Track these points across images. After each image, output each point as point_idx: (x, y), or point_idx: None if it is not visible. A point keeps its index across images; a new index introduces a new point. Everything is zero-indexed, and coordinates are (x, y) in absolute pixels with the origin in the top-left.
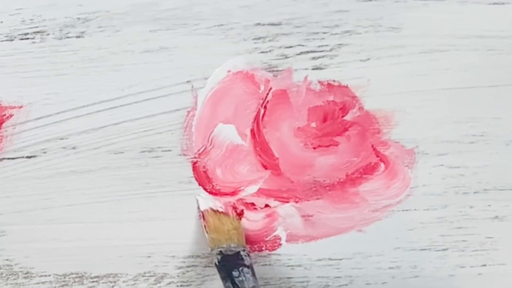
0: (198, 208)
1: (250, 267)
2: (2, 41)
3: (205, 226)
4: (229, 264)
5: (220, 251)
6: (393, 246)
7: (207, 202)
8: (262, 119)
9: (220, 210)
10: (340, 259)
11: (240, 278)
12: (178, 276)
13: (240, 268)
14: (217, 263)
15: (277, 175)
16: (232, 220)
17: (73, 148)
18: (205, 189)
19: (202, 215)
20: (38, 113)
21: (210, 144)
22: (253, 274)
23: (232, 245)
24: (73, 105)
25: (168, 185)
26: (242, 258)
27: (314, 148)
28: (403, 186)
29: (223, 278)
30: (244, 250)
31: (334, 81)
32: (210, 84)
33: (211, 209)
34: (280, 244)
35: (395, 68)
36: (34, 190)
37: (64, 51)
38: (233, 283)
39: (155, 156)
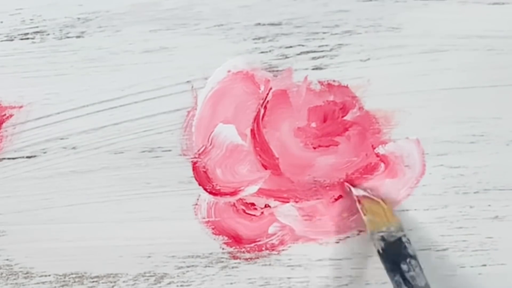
0: (351, 193)
1: (415, 258)
2: (2, 41)
3: (362, 209)
4: (394, 253)
5: (382, 237)
6: None
7: (358, 190)
8: (262, 119)
9: (372, 196)
10: (340, 259)
11: (411, 274)
12: (178, 276)
13: (408, 260)
14: (380, 251)
15: (277, 175)
16: (385, 203)
17: (73, 148)
18: (205, 189)
19: (358, 200)
20: (38, 113)
21: (210, 144)
22: (421, 268)
23: (392, 229)
24: (73, 105)
25: (168, 185)
26: (406, 247)
27: (314, 148)
28: (403, 186)
29: (391, 270)
30: (405, 236)
31: (334, 81)
32: (210, 84)
33: (364, 195)
34: (280, 244)
35: (395, 68)
36: (34, 190)
37: (64, 51)
38: (404, 278)
39: (155, 156)
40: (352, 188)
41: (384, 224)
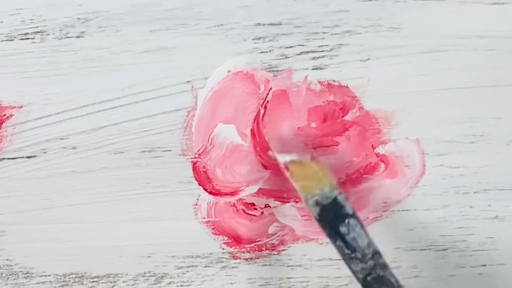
0: (278, 161)
1: (354, 215)
2: (2, 41)
3: (291, 176)
4: (332, 216)
5: (316, 201)
6: (393, 246)
7: (284, 156)
8: (262, 119)
9: (300, 158)
10: (340, 259)
11: (351, 235)
12: (178, 276)
13: (347, 221)
14: (317, 217)
15: (277, 175)
16: (315, 162)
17: (73, 148)
18: (205, 189)
19: (285, 167)
20: (38, 113)
21: (210, 144)
22: (362, 226)
23: (325, 189)
24: (73, 105)
25: (168, 185)
26: (343, 206)
27: (314, 148)
28: (403, 186)
29: (330, 236)
30: (340, 194)
31: (334, 81)
32: (210, 84)
33: (291, 160)
34: (280, 244)
35: (395, 68)
36: (34, 190)
37: (64, 51)
38: (345, 241)
39: (155, 156)
40: (278, 155)
41: (317, 186)
